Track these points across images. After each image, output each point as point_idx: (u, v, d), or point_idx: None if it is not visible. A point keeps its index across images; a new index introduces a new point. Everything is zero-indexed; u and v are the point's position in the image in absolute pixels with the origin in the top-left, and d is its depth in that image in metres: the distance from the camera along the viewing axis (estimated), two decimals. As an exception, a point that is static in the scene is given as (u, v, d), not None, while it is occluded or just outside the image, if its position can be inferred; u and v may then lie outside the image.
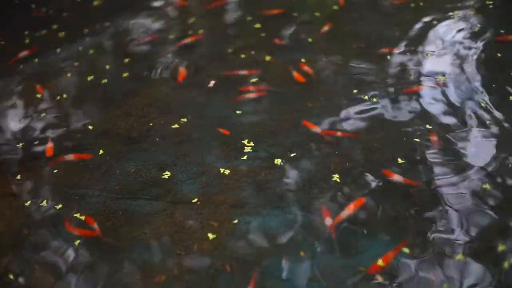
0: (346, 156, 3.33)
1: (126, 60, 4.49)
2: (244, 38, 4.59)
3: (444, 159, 3.24)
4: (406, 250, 2.77)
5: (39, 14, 5.27)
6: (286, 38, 4.50)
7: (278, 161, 3.36)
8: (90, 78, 4.34)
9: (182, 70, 4.11)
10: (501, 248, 2.73)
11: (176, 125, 3.74)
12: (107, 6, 5.28)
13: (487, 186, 3.02)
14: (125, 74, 4.32)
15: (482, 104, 3.56)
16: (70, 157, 3.57)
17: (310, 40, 4.44)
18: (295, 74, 4.03)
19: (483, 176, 3.10)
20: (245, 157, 3.41)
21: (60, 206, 3.29)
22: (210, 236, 2.98)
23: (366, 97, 3.74)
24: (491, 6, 4.54)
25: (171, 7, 5.22)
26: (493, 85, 3.71)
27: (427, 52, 4.11)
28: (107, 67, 4.47)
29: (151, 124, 3.78)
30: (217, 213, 3.11)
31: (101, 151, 3.62)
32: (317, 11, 4.80)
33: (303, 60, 4.18)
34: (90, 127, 3.85)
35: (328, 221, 2.97)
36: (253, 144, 3.49)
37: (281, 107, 3.79)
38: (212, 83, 4.09)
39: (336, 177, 3.21)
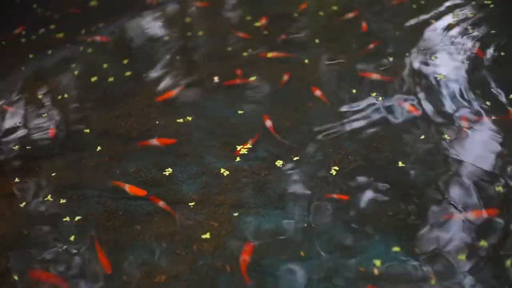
0: (347, 155, 3.33)
1: (126, 60, 4.49)
2: (244, 37, 4.59)
3: (445, 159, 3.24)
4: (397, 249, 2.77)
5: (40, 14, 5.27)
6: (287, 37, 4.51)
7: (278, 161, 3.35)
8: (90, 78, 4.34)
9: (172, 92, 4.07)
10: (503, 247, 2.73)
11: (176, 125, 3.74)
12: (106, 6, 5.28)
13: (500, 188, 3.01)
14: (125, 74, 4.32)
15: (486, 104, 3.55)
16: (154, 141, 3.60)
17: (310, 39, 4.44)
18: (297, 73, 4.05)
19: (484, 176, 3.09)
20: (245, 157, 3.41)
21: (60, 206, 3.29)
22: (210, 236, 2.98)
23: (365, 97, 3.74)
24: (491, 6, 4.54)
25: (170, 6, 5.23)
26: (491, 85, 3.70)
27: (427, 51, 4.10)
28: (107, 67, 4.46)
29: (151, 124, 3.78)
30: (217, 213, 3.11)
31: (97, 146, 3.65)
32: (319, 11, 4.81)
33: (305, 60, 4.18)
34: (90, 127, 3.85)
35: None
36: (253, 144, 3.49)
37: (282, 106, 3.79)
38: (216, 79, 4.10)
39: (334, 172, 3.21)
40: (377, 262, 2.73)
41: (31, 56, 4.70)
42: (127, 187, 3.30)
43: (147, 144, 3.60)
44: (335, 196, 3.10)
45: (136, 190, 3.28)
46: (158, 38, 4.75)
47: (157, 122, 3.79)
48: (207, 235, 2.98)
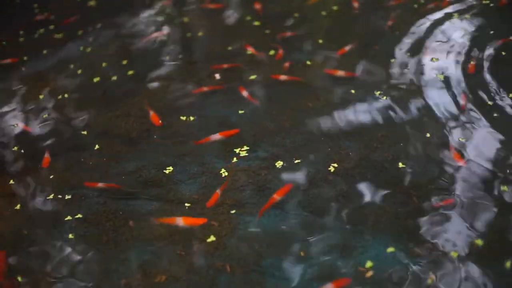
0: (347, 155, 3.33)
1: (126, 60, 4.49)
2: (244, 36, 4.59)
3: (445, 158, 3.24)
4: (396, 249, 2.77)
5: (41, 16, 5.27)
6: (288, 36, 4.51)
7: (278, 161, 3.35)
8: (89, 78, 4.35)
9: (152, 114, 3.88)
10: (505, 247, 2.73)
11: (177, 125, 3.75)
12: (106, 7, 5.28)
13: (505, 188, 3.00)
14: (124, 74, 4.32)
15: (487, 103, 3.55)
16: (217, 136, 3.57)
17: (310, 38, 4.45)
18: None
19: (485, 175, 3.09)
20: (245, 157, 3.41)
21: (60, 206, 3.29)
22: (210, 236, 2.98)
23: (365, 97, 3.74)
24: (491, 5, 4.53)
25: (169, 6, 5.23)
26: (492, 85, 3.69)
27: (427, 51, 4.10)
28: (107, 67, 4.46)
29: (151, 124, 3.78)
30: (217, 213, 3.11)
31: (97, 146, 3.65)
32: (319, 11, 4.80)
33: (306, 61, 4.18)
34: (90, 127, 3.85)
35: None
36: (253, 144, 3.49)
37: (282, 106, 3.79)
38: (217, 75, 4.10)
39: (334, 171, 3.22)
40: (377, 262, 2.73)
41: (30, 56, 4.70)
42: (180, 220, 3.09)
43: (208, 140, 3.57)
44: (335, 196, 3.10)
45: (195, 221, 3.09)
46: (157, 37, 4.75)
47: (160, 121, 3.79)
48: (207, 235, 2.98)
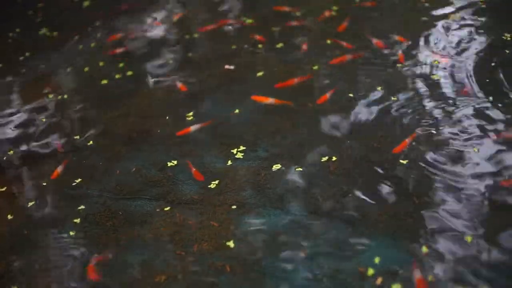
0: (347, 155, 3.33)
1: (126, 60, 4.50)
2: (239, 37, 4.59)
3: (450, 158, 3.24)
4: (396, 249, 2.77)
5: (41, 16, 5.28)
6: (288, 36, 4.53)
7: (278, 160, 3.35)
8: (89, 78, 4.35)
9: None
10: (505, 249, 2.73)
11: (176, 125, 3.75)
12: (104, 7, 5.29)
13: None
14: (124, 74, 4.32)
15: (488, 101, 3.55)
16: None
17: (310, 39, 4.45)
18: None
19: (485, 174, 3.09)
20: (245, 157, 3.41)
21: (60, 206, 3.30)
22: (211, 236, 2.98)
23: (364, 98, 3.74)
24: (490, 4, 4.53)
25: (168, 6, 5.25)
26: (491, 83, 3.69)
27: (429, 50, 4.10)
28: (106, 67, 4.47)
29: (151, 124, 3.79)
30: (217, 213, 3.11)
31: (97, 146, 3.67)
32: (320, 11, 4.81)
33: (314, 67, 4.18)
34: (90, 127, 3.85)
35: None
36: (253, 144, 3.49)
37: (281, 105, 3.80)
38: (227, 66, 4.10)
39: (334, 171, 3.22)
40: (376, 262, 2.73)
41: (30, 56, 4.71)
42: None
43: None
44: (335, 195, 3.10)
45: None
46: (156, 37, 4.76)
47: (167, 118, 3.78)
48: (207, 235, 2.98)
